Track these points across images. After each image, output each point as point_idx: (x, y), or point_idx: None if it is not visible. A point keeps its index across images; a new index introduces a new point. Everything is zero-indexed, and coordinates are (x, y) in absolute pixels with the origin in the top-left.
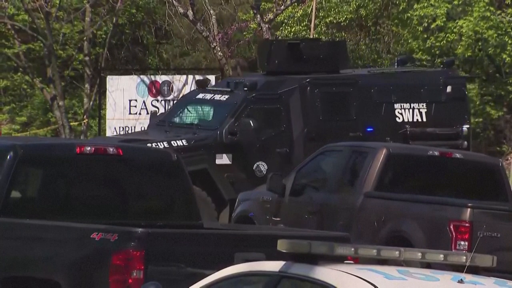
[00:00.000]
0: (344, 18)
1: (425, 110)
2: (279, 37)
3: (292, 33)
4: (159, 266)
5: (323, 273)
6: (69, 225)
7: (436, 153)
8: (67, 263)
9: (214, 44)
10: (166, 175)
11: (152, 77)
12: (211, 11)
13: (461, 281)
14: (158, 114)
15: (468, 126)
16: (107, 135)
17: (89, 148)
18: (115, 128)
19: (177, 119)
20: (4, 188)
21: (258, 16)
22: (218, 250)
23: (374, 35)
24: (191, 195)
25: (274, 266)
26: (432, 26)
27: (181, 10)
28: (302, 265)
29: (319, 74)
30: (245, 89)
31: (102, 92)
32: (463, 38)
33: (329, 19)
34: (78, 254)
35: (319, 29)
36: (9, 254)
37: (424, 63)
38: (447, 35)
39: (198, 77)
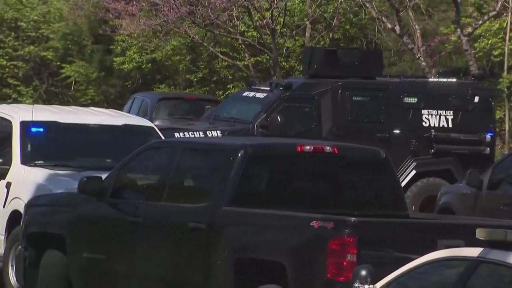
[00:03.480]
0: None
1: (452, 117)
2: (477, 49)
3: (489, 45)
4: (370, 251)
5: None
6: (292, 214)
7: None
8: (290, 247)
9: (419, 55)
10: (375, 171)
11: None
12: (416, 26)
13: None
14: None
15: (492, 134)
16: None
17: (308, 147)
18: None
19: (222, 113)
20: (236, 181)
21: (458, 30)
22: (423, 237)
23: None
24: (398, 188)
25: (473, 252)
26: None
27: (389, 25)
28: (498, 251)
29: (354, 79)
30: (281, 88)
31: None
32: None
33: None
34: (299, 239)
35: None
36: (241, 238)
37: None
38: None
39: None
